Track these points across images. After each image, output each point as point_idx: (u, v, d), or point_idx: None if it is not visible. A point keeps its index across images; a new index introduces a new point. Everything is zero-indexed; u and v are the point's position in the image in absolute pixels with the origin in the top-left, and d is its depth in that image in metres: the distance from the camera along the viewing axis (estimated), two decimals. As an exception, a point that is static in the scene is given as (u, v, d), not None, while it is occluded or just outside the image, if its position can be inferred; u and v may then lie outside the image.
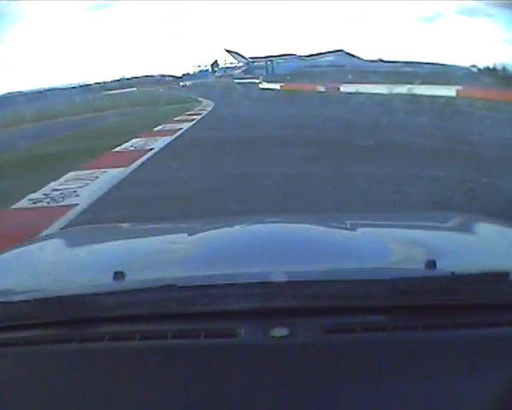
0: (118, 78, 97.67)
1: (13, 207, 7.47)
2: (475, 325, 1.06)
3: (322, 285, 1.13)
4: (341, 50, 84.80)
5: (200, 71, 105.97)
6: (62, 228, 5.76)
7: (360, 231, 1.73)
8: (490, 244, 1.58)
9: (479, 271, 1.17)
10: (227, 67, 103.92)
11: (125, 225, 2.27)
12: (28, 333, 1.09)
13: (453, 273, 1.09)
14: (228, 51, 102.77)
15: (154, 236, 1.94)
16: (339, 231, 1.79)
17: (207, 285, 1.14)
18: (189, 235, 1.72)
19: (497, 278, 1.12)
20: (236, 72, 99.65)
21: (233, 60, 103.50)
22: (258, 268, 1.27)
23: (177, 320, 1.10)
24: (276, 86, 52.80)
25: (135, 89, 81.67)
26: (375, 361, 0.99)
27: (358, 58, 73.45)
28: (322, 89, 41.82)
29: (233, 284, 1.13)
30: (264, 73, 78.32)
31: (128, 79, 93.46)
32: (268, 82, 60.73)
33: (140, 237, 1.92)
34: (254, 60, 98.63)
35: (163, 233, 1.98)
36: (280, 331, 1.03)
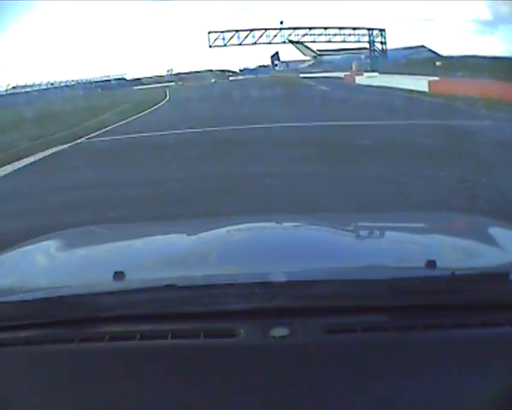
0: (163, 73, 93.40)
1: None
2: (475, 325, 1.05)
3: (322, 285, 1.12)
4: (423, 46, 73.16)
5: (259, 66, 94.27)
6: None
7: (360, 230, 1.73)
8: (490, 244, 1.56)
9: (479, 271, 1.19)
10: (290, 61, 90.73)
11: (125, 225, 2.48)
12: (28, 333, 1.09)
13: (453, 273, 1.09)
14: (292, 42, 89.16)
15: (154, 236, 1.93)
16: (339, 230, 1.77)
17: (207, 285, 1.15)
18: (188, 235, 1.74)
19: (497, 278, 1.11)
20: (302, 66, 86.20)
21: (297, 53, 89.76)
22: (258, 268, 1.27)
23: (177, 320, 1.09)
24: (420, 84, 26.83)
25: (173, 83, 78.76)
26: (374, 361, 0.99)
27: (437, 54, 64.22)
28: None
29: (233, 284, 1.13)
30: (367, 60, 62.01)
31: (176, 74, 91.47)
32: (382, 73, 37.72)
33: (140, 237, 1.91)
34: (323, 53, 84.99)
35: (163, 233, 1.97)
36: (280, 331, 1.03)
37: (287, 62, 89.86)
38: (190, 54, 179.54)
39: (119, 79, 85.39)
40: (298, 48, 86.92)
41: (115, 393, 0.97)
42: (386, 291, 1.09)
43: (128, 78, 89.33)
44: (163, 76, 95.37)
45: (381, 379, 0.96)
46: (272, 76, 76.72)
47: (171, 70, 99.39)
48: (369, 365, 0.98)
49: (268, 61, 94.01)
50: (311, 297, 1.10)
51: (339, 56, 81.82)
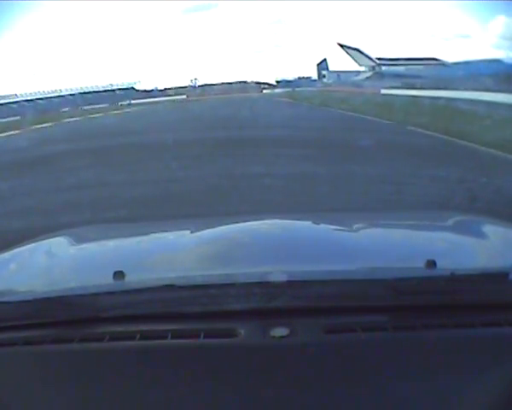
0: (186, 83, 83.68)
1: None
2: (475, 325, 1.05)
3: (322, 285, 1.12)
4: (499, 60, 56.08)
5: (300, 77, 76.85)
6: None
7: (360, 230, 1.72)
8: (490, 244, 1.55)
9: (479, 271, 1.19)
10: (341, 71, 72.12)
11: (125, 225, 2.42)
12: (28, 333, 1.09)
13: (453, 273, 1.09)
14: (343, 47, 70.19)
15: (154, 236, 1.91)
16: (339, 230, 1.77)
17: (207, 285, 1.14)
18: (188, 235, 1.72)
19: (497, 278, 1.11)
20: (357, 78, 67.08)
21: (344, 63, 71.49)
22: (258, 268, 1.26)
23: (177, 320, 1.09)
24: None
25: (184, 96, 68.58)
26: (374, 361, 0.99)
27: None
28: None
29: (233, 284, 1.12)
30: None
31: (202, 85, 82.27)
32: None
33: (140, 237, 1.90)
34: (384, 61, 65.88)
35: (163, 233, 1.95)
36: (280, 331, 1.03)
37: (337, 73, 71.72)
38: (220, 64, 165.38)
39: (121, 89, 68.72)
40: (351, 55, 68.47)
41: (115, 393, 0.97)
42: (387, 291, 1.08)
43: (139, 87, 72.85)
44: (186, 87, 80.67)
45: (381, 379, 0.96)
46: (322, 90, 57.65)
47: (196, 80, 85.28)
48: (369, 365, 0.98)
49: (310, 72, 76.41)
50: (311, 297, 1.10)
51: (402, 67, 62.85)
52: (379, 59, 65.40)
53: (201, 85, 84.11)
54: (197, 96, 67.26)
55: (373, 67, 65.98)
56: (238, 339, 1.02)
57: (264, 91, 76.82)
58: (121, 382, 0.98)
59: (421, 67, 62.04)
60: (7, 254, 1.62)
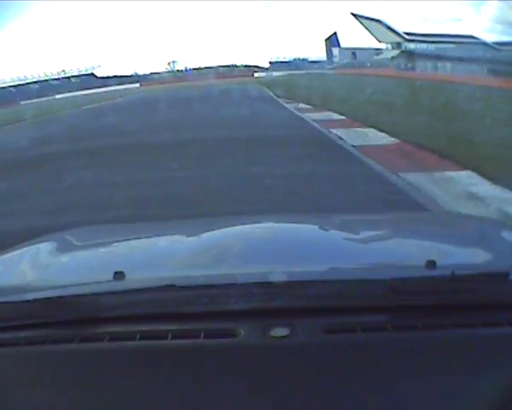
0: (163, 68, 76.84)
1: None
2: (475, 325, 1.06)
3: (322, 285, 1.13)
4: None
5: (299, 59, 64.11)
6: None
7: (360, 230, 1.72)
8: (490, 244, 1.55)
9: (479, 271, 1.19)
10: (357, 48, 57.70)
11: (125, 225, 2.36)
12: (28, 333, 1.09)
13: (453, 273, 1.09)
14: (358, 17, 55.73)
15: (154, 236, 1.92)
16: (339, 231, 1.77)
17: (207, 285, 1.15)
18: (188, 235, 1.73)
19: (497, 278, 1.12)
20: (378, 57, 52.53)
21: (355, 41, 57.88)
22: (258, 268, 1.27)
23: (177, 320, 1.10)
24: None
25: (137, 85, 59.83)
26: (374, 361, 0.99)
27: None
28: None
29: (233, 284, 1.13)
30: None
31: (186, 70, 77.13)
32: None
33: (140, 237, 1.90)
34: (413, 37, 51.73)
35: (163, 233, 1.95)
36: (280, 331, 1.03)
37: (353, 51, 57.41)
38: (210, 48, 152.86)
39: (76, 76, 54.05)
40: (369, 28, 54.05)
41: (115, 393, 0.97)
42: (387, 291, 1.08)
43: (99, 74, 58.25)
44: (159, 73, 68.56)
45: (381, 379, 0.96)
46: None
47: (174, 63, 72.85)
48: (369, 365, 0.98)
49: (310, 53, 63.83)
50: (311, 297, 1.10)
51: (432, 46, 49.02)
52: (407, 33, 51.39)
53: (186, 70, 72.88)
54: (156, 83, 53.97)
55: (398, 44, 51.95)
56: (238, 339, 1.02)
57: (256, 75, 64.54)
58: (121, 382, 0.98)
59: (455, 45, 48.37)
60: (7, 254, 1.62)
